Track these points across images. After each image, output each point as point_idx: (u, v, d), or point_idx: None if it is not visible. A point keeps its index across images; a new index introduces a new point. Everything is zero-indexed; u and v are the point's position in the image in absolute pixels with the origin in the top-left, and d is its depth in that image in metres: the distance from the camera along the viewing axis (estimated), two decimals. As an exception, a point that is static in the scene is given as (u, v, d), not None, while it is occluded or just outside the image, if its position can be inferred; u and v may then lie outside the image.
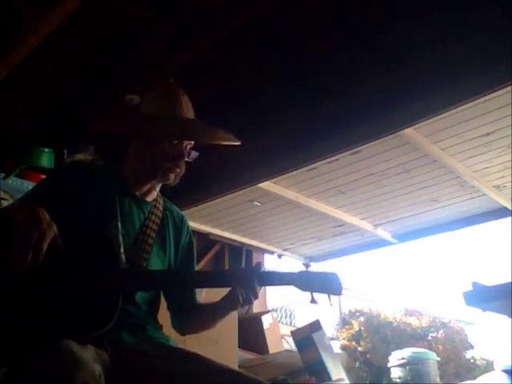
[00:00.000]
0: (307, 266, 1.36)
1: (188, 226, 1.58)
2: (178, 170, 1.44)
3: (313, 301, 1.32)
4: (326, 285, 1.30)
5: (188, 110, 1.48)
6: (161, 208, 1.50)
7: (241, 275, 1.32)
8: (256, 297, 1.30)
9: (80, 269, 1.24)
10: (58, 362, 1.01)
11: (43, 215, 1.17)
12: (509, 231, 9.00)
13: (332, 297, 1.29)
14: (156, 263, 1.41)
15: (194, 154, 1.46)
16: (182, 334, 1.53)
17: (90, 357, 1.08)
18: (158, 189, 1.51)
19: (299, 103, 2.87)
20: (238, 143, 1.49)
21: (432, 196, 4.40)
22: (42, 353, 1.05)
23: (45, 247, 1.15)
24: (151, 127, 1.44)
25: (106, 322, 1.17)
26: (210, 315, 1.47)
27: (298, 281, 1.30)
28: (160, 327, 1.45)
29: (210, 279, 1.39)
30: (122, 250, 1.32)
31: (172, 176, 1.44)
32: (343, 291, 1.30)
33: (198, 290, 1.53)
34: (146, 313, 1.39)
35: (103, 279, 1.23)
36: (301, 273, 1.32)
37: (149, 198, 1.49)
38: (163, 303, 1.52)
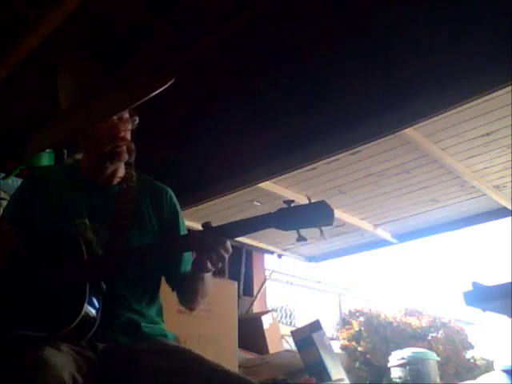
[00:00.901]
0: (289, 202, 1.15)
1: (170, 197, 1.46)
2: (123, 147, 1.34)
3: (300, 238, 1.15)
4: (314, 217, 1.11)
5: (91, 83, 1.37)
6: (134, 186, 1.42)
7: (199, 240, 1.20)
8: (227, 252, 1.19)
9: (45, 269, 1.26)
10: (22, 366, 1.03)
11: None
12: (509, 231, 8.99)
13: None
14: (137, 244, 1.34)
15: (135, 120, 1.38)
16: (190, 308, 1.44)
17: (62, 361, 1.07)
18: (121, 169, 1.43)
19: (299, 103, 2.87)
20: (164, 86, 1.23)
21: (432, 196, 4.40)
22: (14, 356, 1.07)
23: (5, 255, 1.23)
24: (65, 129, 1.34)
25: (75, 314, 1.16)
26: (191, 281, 1.35)
27: (278, 221, 1.14)
28: (158, 322, 1.40)
29: (168, 249, 1.29)
30: (94, 245, 1.30)
31: (123, 155, 1.35)
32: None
33: (186, 259, 1.40)
34: (139, 309, 1.35)
35: (68, 273, 1.24)
36: (281, 211, 1.14)
37: (115, 181, 1.42)
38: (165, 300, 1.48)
